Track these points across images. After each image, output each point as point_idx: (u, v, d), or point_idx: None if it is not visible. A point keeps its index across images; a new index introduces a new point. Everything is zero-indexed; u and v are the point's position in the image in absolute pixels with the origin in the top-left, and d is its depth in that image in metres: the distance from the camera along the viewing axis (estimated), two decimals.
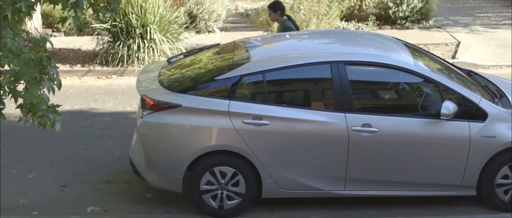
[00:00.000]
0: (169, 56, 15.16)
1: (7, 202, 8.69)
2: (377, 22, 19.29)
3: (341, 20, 18.92)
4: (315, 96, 8.27)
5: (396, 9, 19.53)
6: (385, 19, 20.00)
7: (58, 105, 5.61)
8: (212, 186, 8.09)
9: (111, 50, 15.80)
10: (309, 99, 8.24)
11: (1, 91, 5.37)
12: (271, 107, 7.91)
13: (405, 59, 8.29)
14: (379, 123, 7.92)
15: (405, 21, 19.54)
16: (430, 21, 19.71)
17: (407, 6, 19.41)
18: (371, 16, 18.92)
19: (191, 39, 17.41)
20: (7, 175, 9.59)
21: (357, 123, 7.89)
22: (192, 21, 18.95)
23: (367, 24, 18.84)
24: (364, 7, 20.35)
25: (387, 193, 8.23)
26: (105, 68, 15.60)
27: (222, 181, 8.06)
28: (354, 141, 7.89)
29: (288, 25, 10.49)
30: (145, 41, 15.65)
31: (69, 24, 5.53)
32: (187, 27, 17.32)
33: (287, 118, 7.89)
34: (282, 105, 7.98)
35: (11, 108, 5.60)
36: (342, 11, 17.69)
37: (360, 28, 19.25)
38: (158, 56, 15.71)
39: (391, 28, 19.48)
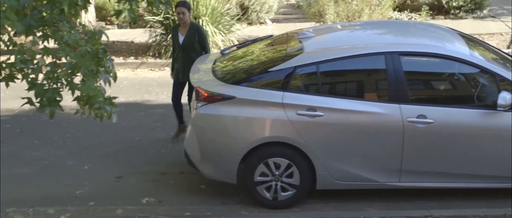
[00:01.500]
0: (222, 48, 15.24)
1: (63, 193, 8.81)
2: (430, 12, 19.09)
3: (394, 10, 18.77)
4: (369, 88, 8.21)
5: None
6: (438, 9, 19.79)
7: (115, 97, 5.66)
8: (266, 177, 8.09)
9: (164, 43, 15.91)
10: (363, 90, 8.18)
11: (59, 84, 5.42)
12: (325, 99, 7.88)
13: (460, 49, 8.19)
14: (434, 114, 7.84)
15: (458, 11, 19.32)
16: (484, 11, 19.45)
17: None
18: (424, 6, 18.72)
19: (243, 31, 17.43)
20: (64, 166, 9.72)
21: (412, 114, 7.82)
22: (244, 13, 18.98)
23: (420, 14, 18.66)
24: None
25: (442, 185, 8.14)
26: (158, 60, 15.72)
27: (276, 173, 8.06)
28: (409, 132, 7.82)
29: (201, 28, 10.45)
30: None
31: (124, 17, 5.56)
32: (239, 19, 17.35)
33: (341, 109, 7.85)
34: (336, 97, 7.94)
35: (67, 100, 5.65)
36: (395, 1, 17.54)
37: (413, 18, 19.07)
38: (211, 48, 15.76)
39: (445, 18, 19.27)
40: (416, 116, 7.81)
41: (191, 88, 9.98)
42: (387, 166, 7.99)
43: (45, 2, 5.31)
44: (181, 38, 10.09)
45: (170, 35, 15.75)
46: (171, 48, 10.42)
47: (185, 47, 10.04)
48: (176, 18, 15.70)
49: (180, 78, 10.21)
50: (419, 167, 8.00)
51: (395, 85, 7.89)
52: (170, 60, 15.54)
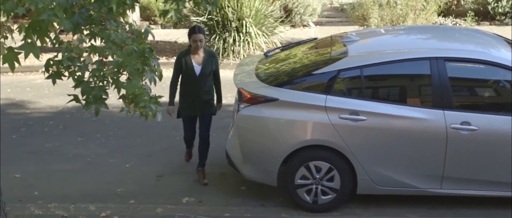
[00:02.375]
0: (264, 50, 15.25)
1: (104, 191, 8.89)
2: (476, 17, 18.93)
3: (439, 15, 18.65)
4: (413, 93, 8.16)
5: (496, 4, 19.12)
6: (483, 15, 19.61)
7: (160, 96, 5.70)
8: (307, 180, 8.08)
9: (207, 43, 15.96)
10: (406, 95, 8.13)
11: (105, 82, 5.47)
12: (368, 103, 7.85)
13: (506, 56, 8.09)
14: (478, 121, 7.76)
15: (504, 17, 19.11)
16: None
17: (507, 1, 18.97)
18: (469, 11, 18.57)
19: (286, 33, 17.43)
20: (105, 164, 9.80)
21: (456, 121, 7.76)
22: (288, 15, 18.98)
23: (465, 20, 18.51)
24: (462, 2, 20.00)
25: (485, 193, 8.06)
26: None
27: (317, 176, 8.04)
28: (452, 139, 7.75)
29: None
30: (241, 34, 15.76)
31: (171, 17, 5.59)
32: (282, 21, 17.36)
33: (385, 114, 7.81)
34: (380, 101, 7.90)
35: (110, 99, 5.70)
36: (440, 6, 17.41)
37: (458, 24, 18.92)
38: (253, 49, 15.80)
39: (490, 24, 19.08)
40: (460, 123, 7.75)
41: (207, 118, 9.05)
42: (429, 172, 7.93)
43: (93, 0, 5.36)
44: (197, 68, 8.72)
45: (213, 36, 15.84)
46: (172, 77, 8.85)
47: (203, 77, 8.75)
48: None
49: (193, 112, 9.01)
50: (461, 174, 7.93)
51: (439, 91, 7.83)
52: None
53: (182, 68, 8.75)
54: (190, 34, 8.72)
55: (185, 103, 8.89)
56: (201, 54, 8.75)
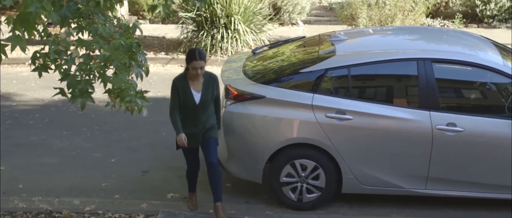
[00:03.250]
0: (252, 47, 15.25)
1: (89, 185, 8.87)
2: (464, 20, 18.98)
3: (427, 16, 18.69)
4: (399, 93, 8.18)
5: (484, 7, 19.18)
6: (471, 17, 19.67)
7: (146, 91, 5.69)
8: (292, 178, 8.09)
9: (195, 39, 15.96)
10: (393, 95, 8.14)
11: (91, 76, 5.46)
12: (355, 102, 7.86)
13: (493, 58, 8.12)
14: (464, 122, 7.79)
15: (492, 20, 19.18)
16: None
17: (495, 4, 19.04)
18: (457, 13, 18.62)
19: (274, 31, 17.43)
20: (91, 158, 9.78)
21: (442, 122, 7.78)
22: (276, 13, 18.98)
23: (453, 22, 18.57)
24: (450, 4, 20.05)
25: (469, 194, 8.08)
26: None
27: (302, 174, 8.05)
28: (437, 140, 7.77)
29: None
30: (229, 31, 15.75)
31: (159, 12, 5.58)
32: (270, 19, 17.36)
33: (371, 113, 7.82)
34: (366, 101, 7.91)
35: (97, 93, 5.69)
36: (428, 8, 17.45)
37: (446, 26, 18.97)
38: (241, 47, 15.79)
39: (478, 27, 19.15)
40: (446, 124, 7.77)
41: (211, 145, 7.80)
42: (414, 172, 7.95)
43: None
44: (196, 96, 7.60)
45: (201, 32, 15.81)
46: (171, 107, 7.70)
47: (204, 105, 7.64)
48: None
49: (195, 144, 7.87)
50: (447, 175, 7.95)
51: (426, 92, 7.85)
52: None
53: (179, 96, 7.60)
54: (189, 60, 7.46)
55: (185, 134, 7.66)
56: (200, 80, 7.60)
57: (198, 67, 7.38)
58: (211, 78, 7.65)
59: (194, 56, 7.39)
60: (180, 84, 7.60)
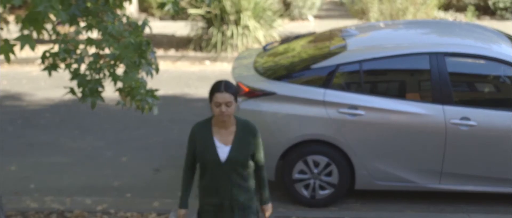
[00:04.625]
0: (263, 43, 15.20)
1: (101, 184, 8.84)
2: (476, 12, 18.87)
3: (439, 9, 18.59)
4: (412, 88, 8.11)
5: None
6: (484, 9, 19.55)
7: (156, 90, 5.64)
8: (305, 175, 8.03)
9: (205, 36, 15.91)
10: (406, 90, 8.08)
11: (101, 75, 5.42)
12: (367, 98, 7.80)
13: (507, 51, 8.05)
14: (478, 116, 7.73)
15: (505, 11, 19.04)
16: None
17: None
18: (469, 6, 18.51)
19: (284, 27, 17.38)
20: (102, 157, 9.75)
21: (456, 116, 7.72)
22: (287, 9, 18.92)
23: (465, 15, 18.44)
24: None
25: (483, 189, 8.01)
26: (198, 54, 15.73)
27: (315, 171, 7.99)
28: (451, 134, 7.71)
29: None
30: (239, 27, 15.69)
31: (168, 9, 5.53)
32: (281, 15, 17.30)
33: (384, 108, 7.77)
34: (379, 96, 7.85)
35: (107, 92, 5.65)
36: (440, 1, 17.35)
37: (458, 19, 18.87)
38: (252, 43, 15.73)
39: (490, 19, 19.03)
40: (459, 118, 7.71)
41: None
42: (427, 167, 7.89)
43: None
44: (222, 150, 5.32)
45: (211, 29, 15.76)
46: (185, 163, 5.52)
47: (233, 164, 5.32)
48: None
49: None
50: (461, 170, 7.89)
51: (439, 86, 7.80)
52: (211, 54, 15.60)
53: (197, 149, 5.38)
54: (211, 94, 5.25)
55: (208, 206, 5.47)
56: (230, 128, 5.35)
57: (222, 102, 5.15)
58: (247, 129, 5.37)
59: (219, 87, 5.19)
60: (200, 132, 5.38)
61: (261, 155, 5.47)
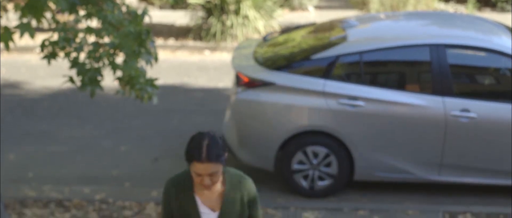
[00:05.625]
0: (263, 33, 15.17)
1: (99, 173, 8.83)
2: (477, 4, 18.83)
3: (439, 1, 18.54)
4: (412, 79, 8.09)
5: None
6: (485, 1, 19.49)
7: (156, 79, 5.62)
8: (304, 165, 8.02)
9: (205, 26, 15.87)
10: (406, 82, 8.06)
11: (100, 63, 5.40)
12: (367, 89, 7.79)
13: (508, 43, 8.04)
14: (478, 108, 7.72)
15: (506, 4, 18.99)
16: None
17: None
18: None
19: (284, 17, 17.34)
20: (100, 146, 9.73)
21: (456, 108, 7.71)
22: None
23: (466, 6, 18.41)
24: None
25: (483, 181, 8.00)
26: (198, 43, 15.68)
27: (314, 161, 7.98)
28: (451, 126, 7.70)
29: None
30: (239, 17, 15.65)
31: None
32: (281, 5, 17.25)
33: (383, 100, 7.75)
34: (379, 87, 7.84)
35: (106, 81, 5.63)
36: None
37: (458, 10, 18.83)
38: (252, 33, 15.70)
39: (491, 11, 18.98)
40: (460, 110, 7.69)
41: None
42: (427, 159, 7.88)
43: None
44: (209, 216, 4.10)
45: (211, 19, 15.73)
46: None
47: None
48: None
49: None
50: (460, 162, 7.88)
51: (439, 78, 7.79)
52: (210, 44, 15.58)
53: (174, 214, 4.13)
54: (189, 159, 3.83)
55: None
56: (217, 188, 4.07)
57: (204, 174, 3.80)
58: (240, 186, 4.10)
59: (198, 154, 3.77)
60: (177, 192, 4.07)
61: (258, 213, 4.20)
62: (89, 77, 5.34)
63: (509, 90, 8.01)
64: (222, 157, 3.83)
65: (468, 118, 7.69)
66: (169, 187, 4.07)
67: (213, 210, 4.07)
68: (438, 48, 7.84)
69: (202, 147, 3.77)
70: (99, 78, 5.39)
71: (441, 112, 7.71)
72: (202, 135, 3.83)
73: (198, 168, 3.78)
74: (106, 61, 5.41)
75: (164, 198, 4.13)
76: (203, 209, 4.07)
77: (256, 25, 15.75)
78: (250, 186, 4.12)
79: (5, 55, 14.93)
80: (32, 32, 4.68)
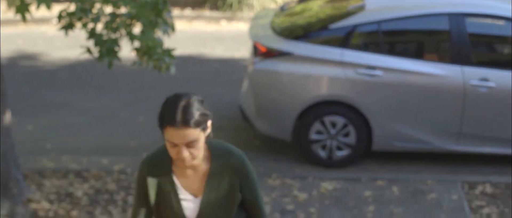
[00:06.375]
0: (279, 3, 15.10)
1: (117, 144, 8.85)
2: None
3: None
4: (431, 49, 8.03)
5: None
6: None
7: (173, 49, 5.60)
8: (322, 135, 8.00)
9: None
10: (424, 51, 8.01)
11: (118, 34, 5.39)
12: (385, 58, 7.74)
13: None
14: (497, 77, 7.66)
15: None
16: None
17: None
18: None
19: None
20: (118, 117, 9.74)
21: (474, 77, 7.66)
22: None
23: None
24: None
25: (501, 151, 7.96)
26: (214, 13, 15.64)
27: (332, 131, 7.96)
28: (470, 95, 7.65)
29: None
30: None
31: None
32: None
33: (402, 69, 7.71)
34: (397, 57, 7.79)
35: (123, 52, 5.62)
36: None
37: None
38: (268, 2, 15.62)
39: None
40: (478, 79, 7.64)
41: None
42: (445, 129, 7.84)
43: None
44: (190, 204, 3.40)
45: None
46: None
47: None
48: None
49: None
50: (478, 132, 7.84)
51: (458, 47, 7.73)
52: (227, 14, 15.53)
53: (150, 198, 3.45)
54: (161, 124, 3.19)
55: None
56: (200, 168, 3.38)
57: (180, 143, 3.14)
58: (228, 163, 3.37)
59: (171, 117, 3.12)
60: (154, 173, 3.40)
61: (255, 197, 3.44)
62: (107, 48, 5.33)
63: None
64: (203, 123, 3.14)
65: (487, 87, 7.64)
66: (145, 168, 3.37)
67: (195, 195, 3.37)
68: (457, 17, 7.77)
69: (177, 108, 3.09)
70: (116, 49, 5.37)
71: (460, 81, 7.66)
72: (179, 95, 3.16)
73: (173, 135, 3.08)
74: (123, 32, 5.40)
75: (138, 180, 3.41)
76: (184, 195, 3.36)
77: None
78: (241, 162, 3.34)
79: (22, 27, 14.94)
80: (49, 3, 4.66)
